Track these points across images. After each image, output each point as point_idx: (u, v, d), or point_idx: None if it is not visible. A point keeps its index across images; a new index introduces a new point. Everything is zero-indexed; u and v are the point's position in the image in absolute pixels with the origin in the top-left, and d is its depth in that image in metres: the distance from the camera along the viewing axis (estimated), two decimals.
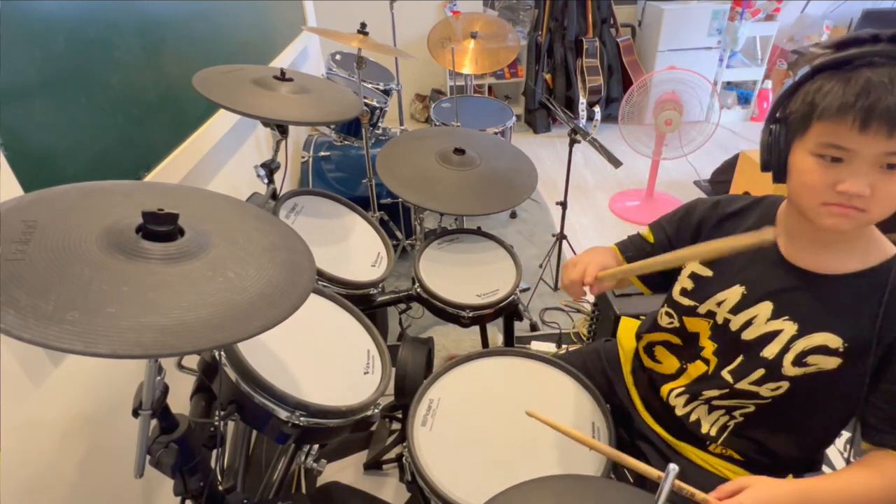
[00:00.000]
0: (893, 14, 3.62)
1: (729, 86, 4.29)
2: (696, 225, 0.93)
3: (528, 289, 2.28)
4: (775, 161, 0.74)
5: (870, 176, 0.66)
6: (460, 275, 1.53)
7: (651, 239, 1.00)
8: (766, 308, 0.82)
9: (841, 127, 0.65)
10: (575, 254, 2.40)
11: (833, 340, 0.76)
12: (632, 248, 1.02)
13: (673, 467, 0.61)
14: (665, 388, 0.97)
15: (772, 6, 3.88)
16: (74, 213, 0.63)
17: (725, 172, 3.07)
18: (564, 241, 2.31)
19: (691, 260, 0.88)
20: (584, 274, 0.89)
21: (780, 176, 0.75)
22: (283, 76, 1.31)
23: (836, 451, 1.58)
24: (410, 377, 1.26)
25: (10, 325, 0.47)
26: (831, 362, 0.77)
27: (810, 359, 0.78)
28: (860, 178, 0.66)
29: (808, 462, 0.90)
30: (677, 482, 0.71)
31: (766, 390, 0.83)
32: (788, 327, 0.80)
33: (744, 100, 4.22)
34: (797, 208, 0.76)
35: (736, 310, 0.85)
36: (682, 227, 0.96)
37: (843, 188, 0.66)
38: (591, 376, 1.06)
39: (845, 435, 0.87)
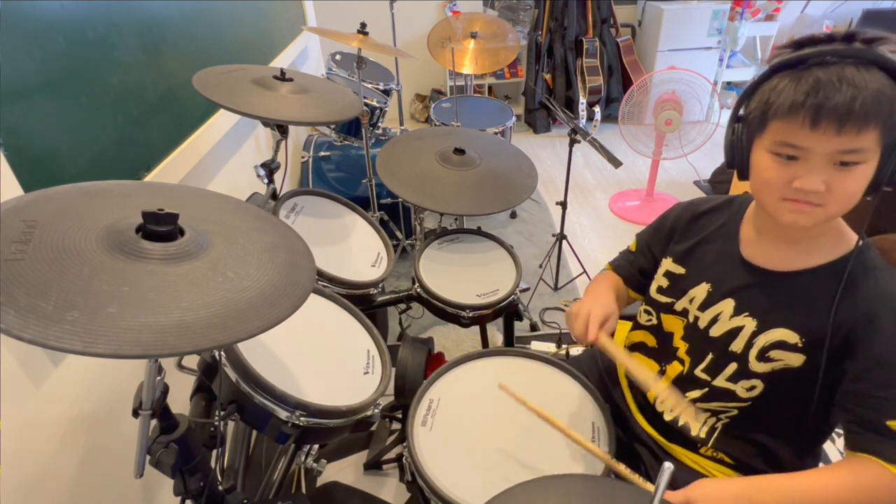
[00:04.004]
0: (893, 14, 3.62)
1: (729, 86, 4.29)
2: (669, 228, 0.98)
3: (528, 289, 2.28)
4: (738, 159, 0.76)
5: (824, 173, 0.68)
6: (460, 275, 1.53)
7: (633, 248, 1.07)
8: (728, 305, 0.85)
9: (792, 125, 0.67)
10: (575, 254, 2.40)
11: (790, 336, 0.78)
12: (621, 260, 1.09)
13: (668, 465, 0.61)
14: (651, 394, 0.98)
15: (772, 6, 3.88)
16: (74, 213, 0.63)
17: (725, 172, 3.07)
18: (564, 241, 2.31)
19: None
20: (588, 332, 0.89)
21: (744, 174, 0.77)
22: (283, 76, 1.31)
23: (836, 453, 1.58)
24: (410, 377, 1.26)
25: (10, 325, 0.47)
26: (795, 359, 0.78)
27: (773, 354, 0.79)
28: (814, 175, 0.68)
29: (801, 465, 0.89)
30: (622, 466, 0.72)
31: (741, 389, 0.84)
32: (749, 323, 0.82)
33: None
34: (760, 204, 0.79)
35: (703, 307, 0.88)
36: (657, 232, 1.01)
37: (798, 185, 0.69)
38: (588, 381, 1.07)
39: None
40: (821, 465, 0.91)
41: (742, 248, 0.86)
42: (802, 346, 0.77)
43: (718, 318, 0.86)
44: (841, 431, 0.79)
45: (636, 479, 0.78)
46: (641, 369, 0.87)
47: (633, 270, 1.05)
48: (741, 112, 0.75)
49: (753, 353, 0.81)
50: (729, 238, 0.88)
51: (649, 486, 0.72)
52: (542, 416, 0.87)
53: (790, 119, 0.67)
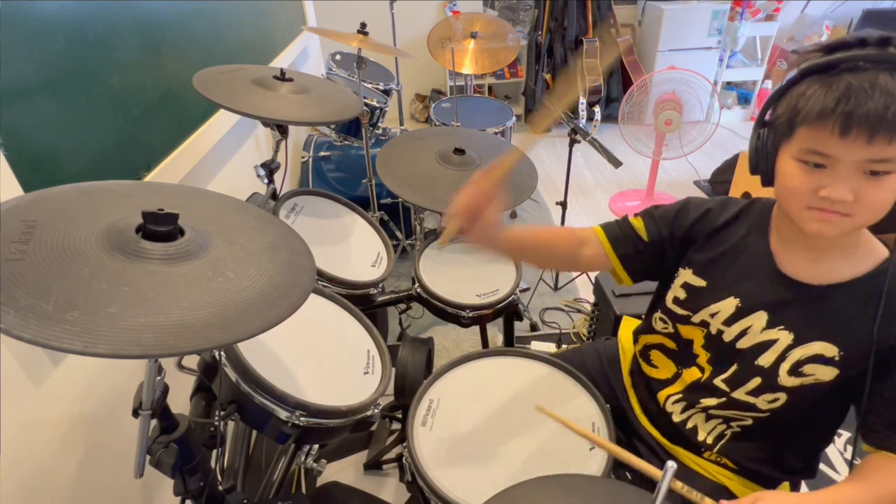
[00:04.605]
0: (893, 14, 3.62)
1: (729, 86, 4.29)
2: (687, 230, 0.89)
3: (528, 289, 2.27)
4: (763, 165, 0.74)
5: (852, 182, 0.65)
6: (460, 275, 1.52)
7: (646, 238, 0.93)
8: (760, 318, 0.82)
9: (822, 133, 0.65)
10: None
11: (829, 349, 0.76)
12: (627, 244, 0.93)
13: (671, 464, 0.61)
14: (662, 395, 0.97)
15: (772, 6, 3.88)
16: (74, 213, 0.63)
17: (725, 172, 3.06)
18: None
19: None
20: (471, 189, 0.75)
21: (769, 179, 0.75)
22: (283, 76, 1.31)
23: (835, 452, 1.58)
24: (410, 377, 1.26)
25: (10, 325, 0.47)
26: (828, 373, 0.77)
27: (806, 368, 0.78)
28: (842, 184, 0.65)
29: (804, 466, 0.89)
30: (677, 482, 0.72)
31: (763, 402, 0.83)
32: (784, 337, 0.79)
33: (744, 100, 4.22)
34: (784, 212, 0.76)
35: (730, 321, 0.84)
36: (674, 229, 0.91)
37: (825, 194, 0.66)
38: (590, 376, 1.06)
39: (845, 435, 0.86)
40: (823, 467, 0.91)
41: (777, 260, 0.82)
42: (839, 360, 0.76)
43: (748, 331, 0.83)
44: (841, 432, 0.79)
45: (651, 469, 0.75)
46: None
47: (639, 258, 0.94)
48: (767, 117, 0.73)
49: (785, 366, 0.79)
50: (758, 250, 0.84)
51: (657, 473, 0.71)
52: (580, 433, 0.87)
53: (819, 126, 0.64)
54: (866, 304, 0.74)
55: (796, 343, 0.78)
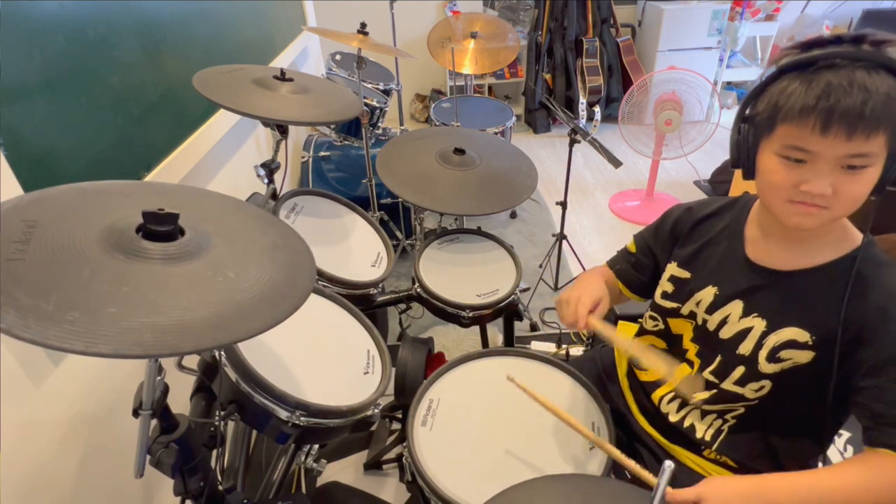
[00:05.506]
0: (893, 14, 3.62)
1: (729, 86, 4.29)
2: (670, 230, 0.98)
3: (528, 289, 2.28)
4: (744, 159, 0.76)
5: (831, 176, 0.68)
6: (460, 275, 1.52)
7: (633, 249, 1.06)
8: (737, 307, 0.85)
9: (803, 129, 0.67)
10: (575, 254, 2.40)
11: (801, 334, 0.78)
12: (620, 261, 1.08)
13: (668, 464, 0.61)
14: (656, 395, 0.98)
15: (772, 6, 3.88)
16: (74, 213, 0.63)
17: (725, 172, 3.07)
18: (564, 241, 2.31)
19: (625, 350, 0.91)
20: (577, 317, 0.91)
21: (750, 174, 0.77)
22: (283, 76, 1.31)
23: (836, 452, 1.58)
24: (410, 377, 1.26)
25: (10, 325, 0.47)
26: (805, 356, 0.78)
27: (783, 354, 0.79)
28: (822, 179, 0.68)
29: (806, 468, 0.89)
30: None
31: (750, 391, 0.84)
32: (758, 324, 0.82)
33: None
34: (766, 206, 0.79)
35: (711, 309, 0.88)
36: (658, 234, 1.01)
37: (806, 188, 0.69)
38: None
39: (845, 435, 0.86)
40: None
41: (747, 248, 0.85)
42: (812, 344, 0.77)
43: (728, 319, 0.85)
44: (842, 432, 0.79)
45: (645, 474, 0.76)
46: (641, 350, 0.86)
47: (632, 270, 1.05)
48: (748, 112, 0.75)
49: (763, 353, 0.81)
50: (734, 240, 0.88)
51: (654, 481, 0.72)
52: (549, 409, 0.87)
53: (800, 123, 0.66)
54: (834, 286, 0.76)
55: (770, 329, 0.80)
